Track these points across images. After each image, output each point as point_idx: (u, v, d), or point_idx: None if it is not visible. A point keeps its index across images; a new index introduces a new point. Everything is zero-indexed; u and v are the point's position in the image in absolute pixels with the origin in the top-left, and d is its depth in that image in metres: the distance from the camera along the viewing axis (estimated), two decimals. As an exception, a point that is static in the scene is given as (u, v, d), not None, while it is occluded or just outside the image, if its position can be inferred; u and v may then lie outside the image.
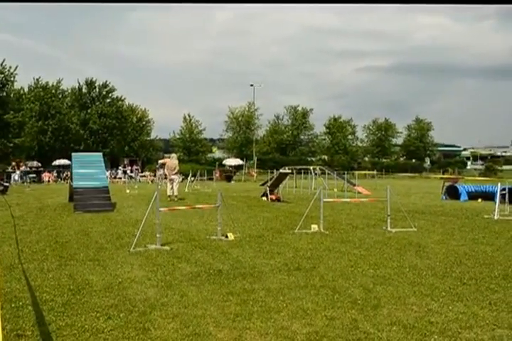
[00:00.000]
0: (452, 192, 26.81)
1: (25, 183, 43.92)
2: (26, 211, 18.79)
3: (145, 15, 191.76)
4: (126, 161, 71.66)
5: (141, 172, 64.44)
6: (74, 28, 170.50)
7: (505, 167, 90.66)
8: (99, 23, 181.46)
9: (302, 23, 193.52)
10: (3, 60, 52.93)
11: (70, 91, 72.87)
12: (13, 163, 55.03)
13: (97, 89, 73.18)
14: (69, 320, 5.81)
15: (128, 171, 60.73)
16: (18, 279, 7.70)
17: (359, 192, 30.63)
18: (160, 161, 30.44)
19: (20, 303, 6.40)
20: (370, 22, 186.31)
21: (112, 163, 67.22)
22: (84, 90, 72.95)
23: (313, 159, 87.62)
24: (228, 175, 61.55)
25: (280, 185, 26.11)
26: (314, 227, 13.28)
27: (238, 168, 72.56)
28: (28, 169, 57.32)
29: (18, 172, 53.10)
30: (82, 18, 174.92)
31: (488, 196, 23.15)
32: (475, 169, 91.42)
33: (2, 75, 52.90)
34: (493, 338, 5.25)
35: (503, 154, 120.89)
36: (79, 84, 72.92)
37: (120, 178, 55.85)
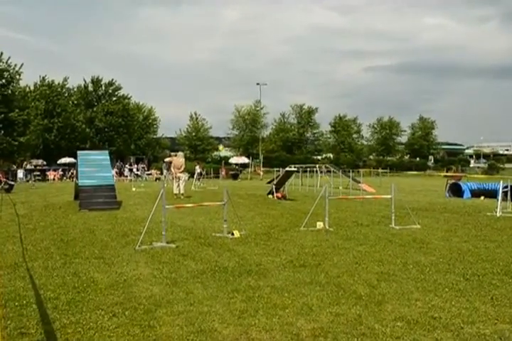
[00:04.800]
0: (455, 190, 26.85)
1: (30, 182, 43.97)
2: (31, 209, 18.83)
3: (153, 14, 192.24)
4: (132, 159, 71.81)
5: (148, 170, 64.50)
6: (81, 27, 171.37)
7: (507, 165, 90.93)
8: (107, 21, 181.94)
9: (309, 23, 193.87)
10: (9, 58, 52.97)
11: (75, 89, 73.01)
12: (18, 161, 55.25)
13: (103, 87, 73.34)
14: (73, 317, 5.81)
15: (134, 169, 60.77)
16: (23, 277, 7.71)
17: (364, 190, 30.64)
18: (166, 159, 30.48)
19: (25, 302, 6.40)
20: (375, 22, 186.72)
21: (118, 161, 67.33)
22: (90, 88, 73.09)
23: (319, 157, 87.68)
24: (234, 173, 61.58)
25: (286, 183, 26.13)
26: (319, 224, 13.28)
27: (244, 166, 72.62)
28: (33, 167, 57.41)
29: (22, 170, 53.23)
30: (90, 17, 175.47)
31: (491, 194, 23.15)
32: (478, 167, 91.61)
33: (7, 73, 52.89)
34: (495, 333, 5.26)
35: (506, 152, 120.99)
36: (85, 82, 73.17)
37: (126, 176, 55.98)
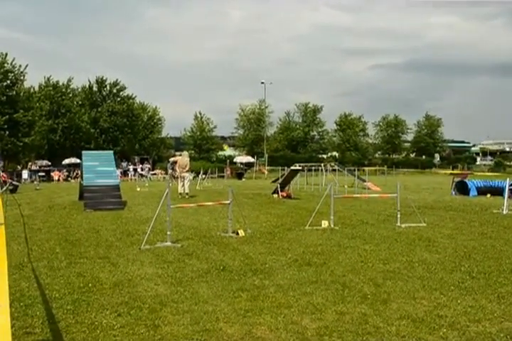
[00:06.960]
0: (462, 188, 26.80)
1: (34, 182, 43.97)
2: (36, 209, 18.83)
3: (158, 14, 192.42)
4: (136, 159, 71.77)
5: (152, 170, 64.48)
6: (86, 27, 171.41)
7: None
8: (111, 21, 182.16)
9: (314, 22, 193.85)
10: (13, 59, 53.04)
11: (80, 89, 72.97)
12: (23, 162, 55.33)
13: (108, 88, 73.16)
14: (79, 317, 5.82)
15: (139, 169, 60.77)
16: (28, 278, 7.72)
17: (369, 189, 30.60)
18: (171, 159, 30.46)
19: (30, 301, 6.41)
20: (381, 20, 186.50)
21: (123, 161, 67.29)
22: (94, 88, 72.97)
23: (324, 156, 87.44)
24: (239, 172, 61.54)
25: (291, 182, 26.10)
26: (325, 223, 13.27)
27: (249, 165, 72.47)
28: (38, 168, 57.45)
29: (27, 171, 53.30)
30: (95, 17, 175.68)
31: (497, 191, 23.12)
32: (484, 165, 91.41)
33: (12, 74, 52.97)
34: (501, 331, 5.25)
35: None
36: (89, 82, 73.05)
37: (131, 176, 56.02)
